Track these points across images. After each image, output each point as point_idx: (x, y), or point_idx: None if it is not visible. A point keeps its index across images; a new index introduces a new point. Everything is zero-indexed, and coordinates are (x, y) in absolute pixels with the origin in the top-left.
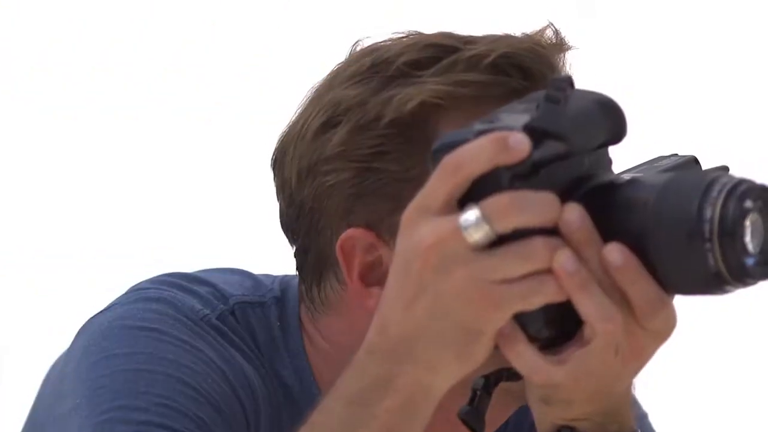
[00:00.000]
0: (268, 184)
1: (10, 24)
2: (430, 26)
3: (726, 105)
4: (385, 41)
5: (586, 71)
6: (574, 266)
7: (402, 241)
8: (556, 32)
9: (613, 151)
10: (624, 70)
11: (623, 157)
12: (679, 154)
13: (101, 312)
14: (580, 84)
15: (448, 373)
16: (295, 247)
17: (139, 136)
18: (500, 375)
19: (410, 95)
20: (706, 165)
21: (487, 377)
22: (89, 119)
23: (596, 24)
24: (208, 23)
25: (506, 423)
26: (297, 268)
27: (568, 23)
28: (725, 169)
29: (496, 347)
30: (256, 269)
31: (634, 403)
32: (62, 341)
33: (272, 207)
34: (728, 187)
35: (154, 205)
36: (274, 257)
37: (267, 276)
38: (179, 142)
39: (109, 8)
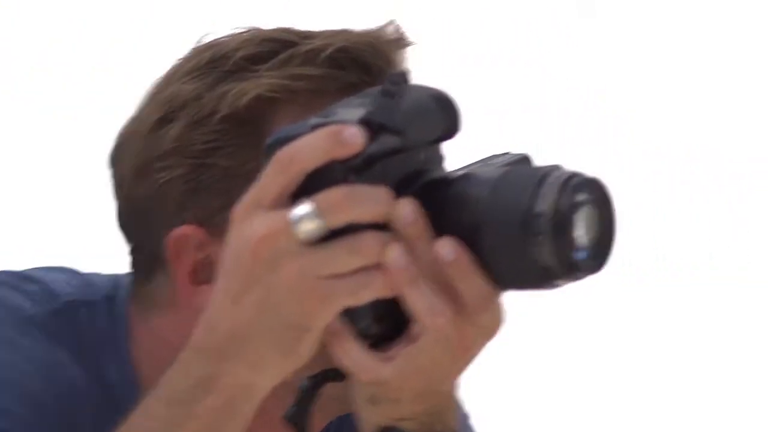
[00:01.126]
0: None
1: (10, 24)
2: (430, 26)
3: (725, 104)
4: (224, 36)
5: (586, 71)
6: (403, 261)
7: (232, 235)
8: (397, 28)
9: (621, 151)
10: (624, 70)
11: (625, 156)
12: (512, 152)
13: None
14: (581, 84)
15: (272, 371)
16: (130, 246)
17: None
18: (327, 375)
19: (245, 90)
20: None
21: (313, 377)
22: (89, 119)
23: (596, 24)
24: (208, 23)
25: (327, 429)
26: (131, 267)
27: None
28: (557, 166)
29: (324, 346)
30: None
31: (457, 404)
32: None
33: None
34: (561, 180)
35: None
36: None
37: (97, 275)
38: None
39: (109, 8)
